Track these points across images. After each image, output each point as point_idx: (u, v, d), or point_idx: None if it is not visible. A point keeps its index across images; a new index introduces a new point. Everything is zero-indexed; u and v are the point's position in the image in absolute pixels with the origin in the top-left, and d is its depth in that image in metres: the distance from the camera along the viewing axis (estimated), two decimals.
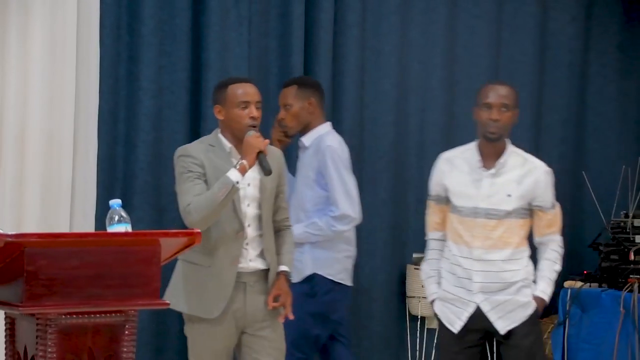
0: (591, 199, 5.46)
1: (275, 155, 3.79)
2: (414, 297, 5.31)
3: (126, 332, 2.91)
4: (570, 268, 5.61)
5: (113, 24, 4.85)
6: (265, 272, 3.72)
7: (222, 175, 3.61)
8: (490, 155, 3.96)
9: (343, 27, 5.37)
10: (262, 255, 3.71)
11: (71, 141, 4.63)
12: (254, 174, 3.68)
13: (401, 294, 5.41)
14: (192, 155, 3.68)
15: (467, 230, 3.92)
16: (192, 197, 3.58)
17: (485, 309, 3.95)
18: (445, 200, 4.05)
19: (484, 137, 4.00)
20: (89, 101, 4.72)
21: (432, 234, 4.14)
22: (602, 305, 5.08)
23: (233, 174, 3.57)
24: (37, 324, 2.81)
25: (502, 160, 3.99)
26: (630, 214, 5.30)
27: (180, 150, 3.76)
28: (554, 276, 4.09)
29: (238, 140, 3.69)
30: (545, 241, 4.06)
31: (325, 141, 4.45)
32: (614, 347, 4.95)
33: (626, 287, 4.98)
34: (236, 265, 3.65)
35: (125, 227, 2.99)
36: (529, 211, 4.02)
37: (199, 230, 3.12)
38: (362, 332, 5.35)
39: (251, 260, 3.70)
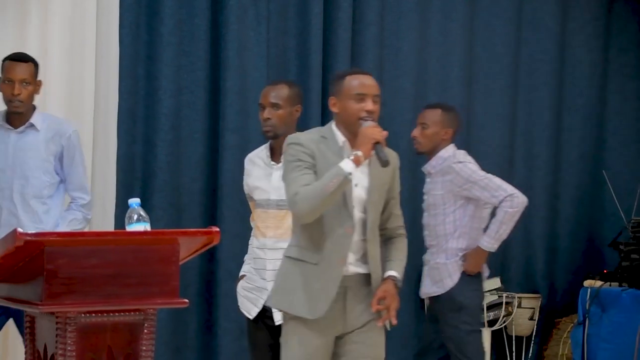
0: (611, 198, 5.44)
1: (391, 155, 3.50)
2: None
3: (145, 330, 2.92)
4: (590, 267, 5.60)
5: (132, 23, 4.87)
6: (367, 277, 3.45)
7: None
8: (277, 150, 3.99)
9: (361, 26, 5.37)
10: (363, 259, 3.44)
11: (91, 140, 4.65)
12: (362, 175, 3.42)
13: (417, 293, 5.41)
14: (302, 144, 3.42)
15: (263, 221, 3.98)
16: (299, 187, 3.33)
17: None
18: (251, 198, 4.12)
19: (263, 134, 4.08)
20: (108, 100, 4.74)
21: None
22: (623, 305, 5.06)
23: (346, 165, 3.29)
24: (57, 323, 2.82)
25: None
26: None
27: (291, 137, 3.48)
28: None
29: (352, 135, 3.41)
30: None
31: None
32: (634, 346, 4.92)
33: None
34: (343, 264, 3.39)
35: (144, 226, 2.99)
36: None
37: (217, 230, 3.12)
38: None
39: (351, 264, 3.43)
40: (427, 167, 4.61)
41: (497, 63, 5.67)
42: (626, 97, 5.94)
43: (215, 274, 5.00)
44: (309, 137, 3.45)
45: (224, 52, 5.05)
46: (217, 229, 3.12)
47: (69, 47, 4.61)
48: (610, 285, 5.18)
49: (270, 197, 3.96)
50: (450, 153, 4.56)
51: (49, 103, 4.57)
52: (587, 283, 5.25)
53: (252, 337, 4.00)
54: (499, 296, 5.39)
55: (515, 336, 5.52)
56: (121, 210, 4.54)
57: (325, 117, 5.26)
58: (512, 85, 5.71)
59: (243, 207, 4.53)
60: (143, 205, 3.08)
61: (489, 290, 5.40)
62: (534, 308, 5.45)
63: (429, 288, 4.59)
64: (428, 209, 4.62)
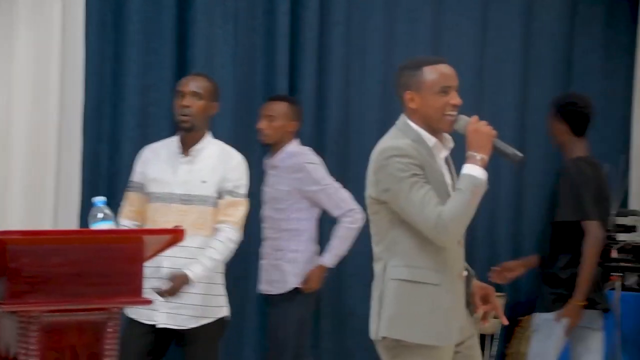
0: None
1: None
2: None
3: (109, 329, 2.91)
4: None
5: (98, 21, 4.85)
6: (467, 279, 3.19)
7: (439, 176, 3.04)
8: (188, 144, 3.94)
9: (329, 25, 5.39)
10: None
11: (56, 138, 4.62)
12: (446, 172, 3.12)
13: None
14: (409, 154, 2.99)
15: (163, 215, 3.89)
16: (436, 208, 2.93)
17: None
18: (144, 189, 4.02)
19: (177, 126, 4.02)
20: (74, 98, 4.71)
21: (122, 221, 4.03)
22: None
23: (478, 171, 2.95)
24: (20, 322, 2.81)
25: (198, 147, 3.98)
26: (614, 212, 5.32)
27: (391, 148, 3.02)
28: (210, 263, 3.87)
29: (435, 133, 3.07)
30: (219, 228, 3.92)
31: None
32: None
33: (608, 284, 5.00)
34: (462, 278, 3.11)
35: (108, 225, 2.99)
36: None
37: (183, 229, 3.11)
38: (346, 329, 5.37)
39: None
40: (274, 161, 4.54)
41: (462, 63, 5.65)
42: (590, 98, 5.99)
43: None
44: (406, 143, 3.02)
45: (190, 50, 5.04)
46: (182, 228, 3.12)
47: (35, 46, 4.58)
48: None
49: (174, 191, 3.89)
50: (298, 149, 4.55)
51: (15, 101, 4.54)
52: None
53: (131, 342, 3.84)
54: None
55: (480, 334, 5.54)
56: (86, 208, 4.50)
57: None
58: (477, 85, 5.74)
59: None
60: (108, 203, 3.07)
61: None
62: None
63: (266, 285, 4.54)
64: (270, 202, 4.55)
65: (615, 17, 6.05)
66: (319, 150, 5.33)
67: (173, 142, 4.03)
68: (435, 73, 3.06)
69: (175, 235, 3.09)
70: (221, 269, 4.00)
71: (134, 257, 2.94)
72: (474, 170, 2.95)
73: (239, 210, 3.92)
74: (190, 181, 3.92)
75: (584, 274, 4.21)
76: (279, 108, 4.56)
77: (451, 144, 3.12)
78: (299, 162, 4.50)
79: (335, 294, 5.37)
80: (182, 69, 5.03)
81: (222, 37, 5.10)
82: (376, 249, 3.12)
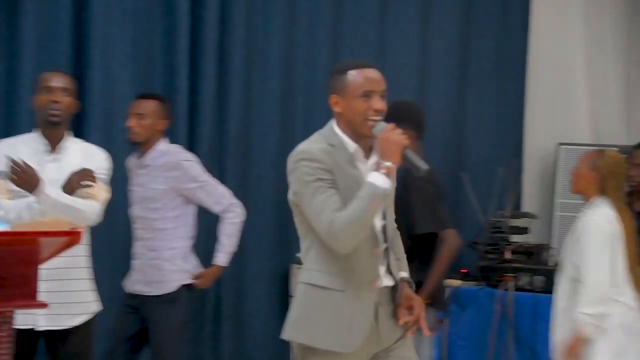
0: (470, 200, 5.59)
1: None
2: None
3: (2, 333, 2.85)
4: (451, 267, 5.75)
5: None
6: (393, 289, 3.15)
7: (352, 183, 3.00)
8: (53, 141, 3.92)
9: (229, 27, 5.37)
10: (389, 270, 3.13)
11: None
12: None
13: (284, 293, 5.45)
14: (317, 159, 2.99)
15: None
16: (331, 214, 2.92)
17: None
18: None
19: (45, 122, 3.95)
20: None
21: None
22: (479, 303, 5.22)
23: (380, 180, 2.91)
24: None
25: (63, 145, 3.97)
26: (507, 214, 5.46)
27: (300, 152, 3.03)
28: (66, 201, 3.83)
29: (359, 138, 3.05)
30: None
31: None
32: (490, 344, 5.08)
33: (502, 285, 5.13)
34: (374, 287, 3.06)
35: (3, 227, 2.93)
36: None
37: (81, 230, 3.06)
38: (246, 331, 5.37)
39: (381, 278, 3.13)
40: (145, 160, 4.47)
41: None
42: (484, 101, 6.13)
43: None
44: (319, 147, 3.02)
45: (88, 50, 4.96)
46: (80, 230, 3.07)
47: None
48: (468, 284, 5.33)
49: None
50: (169, 147, 4.51)
51: None
52: (447, 282, 5.39)
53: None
54: None
55: None
56: None
57: (192, 117, 5.25)
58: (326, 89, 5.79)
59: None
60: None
61: None
62: None
63: (142, 286, 4.45)
64: (142, 202, 4.46)
65: (509, 23, 6.20)
66: (220, 151, 5.33)
67: (33, 138, 3.93)
68: (359, 77, 3.03)
69: (72, 237, 3.04)
70: (88, 263, 3.94)
71: (30, 260, 2.89)
72: (376, 179, 2.93)
73: (102, 194, 3.89)
74: (59, 180, 3.86)
75: (435, 276, 4.28)
76: (149, 106, 4.47)
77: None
78: (174, 159, 4.44)
79: (235, 297, 5.36)
80: (78, 69, 4.94)
81: (120, 37, 5.04)
82: (301, 252, 3.15)
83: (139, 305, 4.44)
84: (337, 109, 3.06)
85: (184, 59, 5.18)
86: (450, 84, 6.07)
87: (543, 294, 4.91)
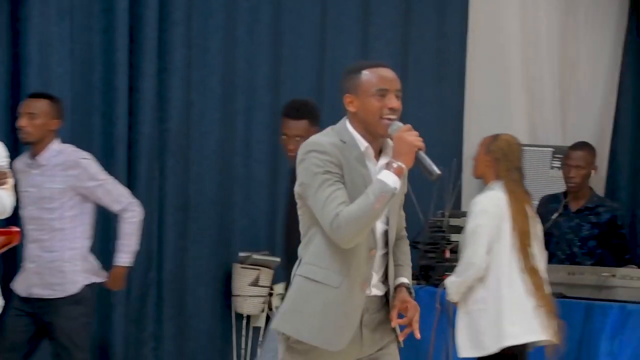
0: (410, 199, 5.63)
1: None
2: (239, 295, 5.33)
3: None
4: None
5: None
6: (382, 299, 3.10)
7: (360, 181, 2.97)
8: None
9: (169, 25, 5.34)
10: (384, 278, 3.09)
11: None
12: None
13: (227, 292, 5.42)
14: (327, 152, 2.95)
15: None
16: (338, 207, 2.89)
17: None
18: None
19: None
20: None
21: None
22: (420, 302, 5.20)
23: (390, 179, 2.88)
24: None
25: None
26: (447, 214, 5.50)
27: (312, 143, 2.99)
28: None
29: (372, 138, 3.02)
30: None
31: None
32: (430, 342, 5.12)
33: (442, 284, 5.16)
34: (366, 288, 3.02)
35: None
36: None
37: (19, 230, 3.00)
38: (188, 331, 5.33)
39: (374, 286, 3.06)
40: (40, 160, 4.42)
41: (303, 65, 5.77)
42: (424, 102, 6.18)
43: None
44: (330, 141, 2.98)
45: (25, 47, 4.88)
46: (18, 229, 3.02)
47: None
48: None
49: None
50: (63, 147, 4.47)
51: None
52: None
53: None
54: None
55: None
56: None
57: (132, 116, 5.20)
58: (317, 87, 5.82)
59: None
60: None
61: (281, 294, 5.48)
62: None
63: (41, 289, 4.38)
64: (37, 202, 4.39)
65: (447, 27, 6.25)
66: (160, 150, 5.29)
67: None
68: (373, 76, 3.00)
69: (9, 236, 2.99)
70: None
71: None
72: (386, 177, 2.89)
73: (9, 182, 3.85)
74: None
75: None
76: (40, 105, 4.41)
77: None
78: (72, 158, 4.39)
79: (177, 298, 5.32)
80: (15, 67, 4.87)
81: (57, 35, 4.97)
82: (299, 248, 3.08)
83: (36, 309, 4.37)
84: (351, 108, 3.03)
85: (123, 57, 5.13)
86: None
87: None
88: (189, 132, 5.40)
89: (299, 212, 3.07)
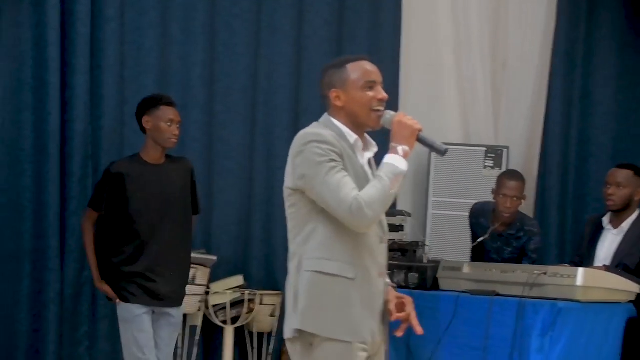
0: None
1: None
2: None
3: None
4: None
5: None
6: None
7: (360, 169, 2.98)
8: None
9: (101, 21, 5.26)
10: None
11: None
12: (367, 167, 3.04)
13: None
14: (329, 142, 2.92)
15: None
16: (353, 192, 2.85)
17: None
18: None
19: None
20: None
21: None
22: None
23: (399, 161, 2.90)
24: None
25: None
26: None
27: (312, 134, 2.95)
28: None
29: (360, 130, 3.03)
30: None
31: None
32: None
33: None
34: (384, 277, 3.01)
35: None
36: None
37: None
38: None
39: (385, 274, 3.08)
40: None
41: (237, 63, 5.74)
42: None
43: None
44: (329, 133, 2.96)
45: None
46: None
47: None
48: None
49: None
50: None
51: None
52: None
53: None
54: (241, 294, 5.45)
55: (257, 332, 5.60)
56: None
57: (64, 112, 5.11)
58: (251, 86, 5.79)
59: None
60: None
61: (232, 288, 5.46)
62: (275, 305, 5.55)
63: None
64: None
65: (381, 26, 6.27)
66: (93, 147, 5.21)
67: None
68: (358, 69, 3.03)
69: None
70: None
71: None
72: (394, 160, 2.91)
73: None
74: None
75: None
76: None
77: (375, 148, 3.09)
78: None
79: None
80: None
81: None
82: (292, 246, 3.02)
83: None
84: (338, 103, 3.03)
85: (54, 53, 5.06)
86: None
87: (417, 291, 4.99)
88: (123, 130, 5.34)
89: (291, 210, 3.01)
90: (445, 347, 4.69)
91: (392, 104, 6.26)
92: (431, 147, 3.02)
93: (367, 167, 3.04)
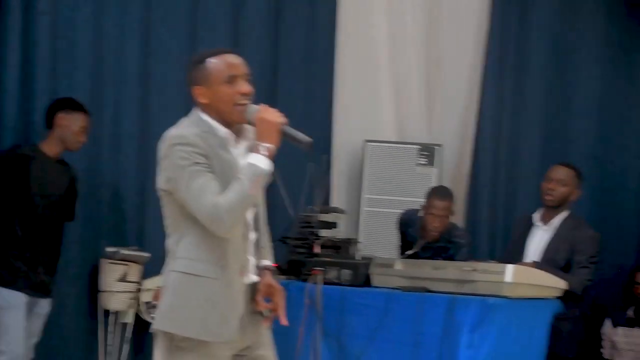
0: (280, 195, 5.66)
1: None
2: (107, 291, 5.25)
3: None
4: None
5: None
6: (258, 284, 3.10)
7: (228, 167, 2.93)
8: None
9: (34, 15, 5.20)
10: (258, 263, 3.10)
11: None
12: (244, 160, 2.97)
13: (94, 289, 5.33)
14: (191, 143, 2.87)
15: None
16: (214, 197, 2.82)
17: None
18: None
19: None
20: None
21: None
22: (289, 297, 5.24)
23: (262, 161, 2.86)
24: None
25: None
26: (317, 210, 5.56)
27: (174, 137, 2.91)
28: None
29: (229, 125, 2.98)
30: None
31: None
32: (299, 336, 5.16)
33: (311, 278, 5.21)
34: (244, 276, 3.00)
35: None
36: None
37: None
38: (54, 328, 5.21)
39: (250, 272, 3.06)
40: None
41: (173, 59, 5.72)
42: (295, 98, 6.21)
43: None
44: (192, 132, 2.90)
45: None
46: None
47: None
48: (279, 278, 5.38)
49: None
50: None
51: None
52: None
53: None
54: None
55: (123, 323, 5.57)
56: None
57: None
58: (184, 81, 5.76)
59: None
60: None
61: (150, 289, 5.43)
62: None
63: None
64: None
65: (317, 23, 6.30)
66: (25, 143, 5.14)
67: None
68: (219, 64, 2.97)
69: None
70: None
71: None
72: (256, 160, 2.87)
73: None
74: None
75: None
76: None
77: (252, 134, 3.01)
78: None
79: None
80: None
81: None
82: (168, 242, 3.03)
83: None
84: (202, 100, 2.98)
85: None
86: (260, 82, 6.08)
87: (350, 287, 5.03)
88: None
89: (165, 210, 3.02)
90: (376, 342, 4.74)
91: (327, 101, 6.34)
92: (295, 140, 2.97)
93: (241, 159, 2.98)
